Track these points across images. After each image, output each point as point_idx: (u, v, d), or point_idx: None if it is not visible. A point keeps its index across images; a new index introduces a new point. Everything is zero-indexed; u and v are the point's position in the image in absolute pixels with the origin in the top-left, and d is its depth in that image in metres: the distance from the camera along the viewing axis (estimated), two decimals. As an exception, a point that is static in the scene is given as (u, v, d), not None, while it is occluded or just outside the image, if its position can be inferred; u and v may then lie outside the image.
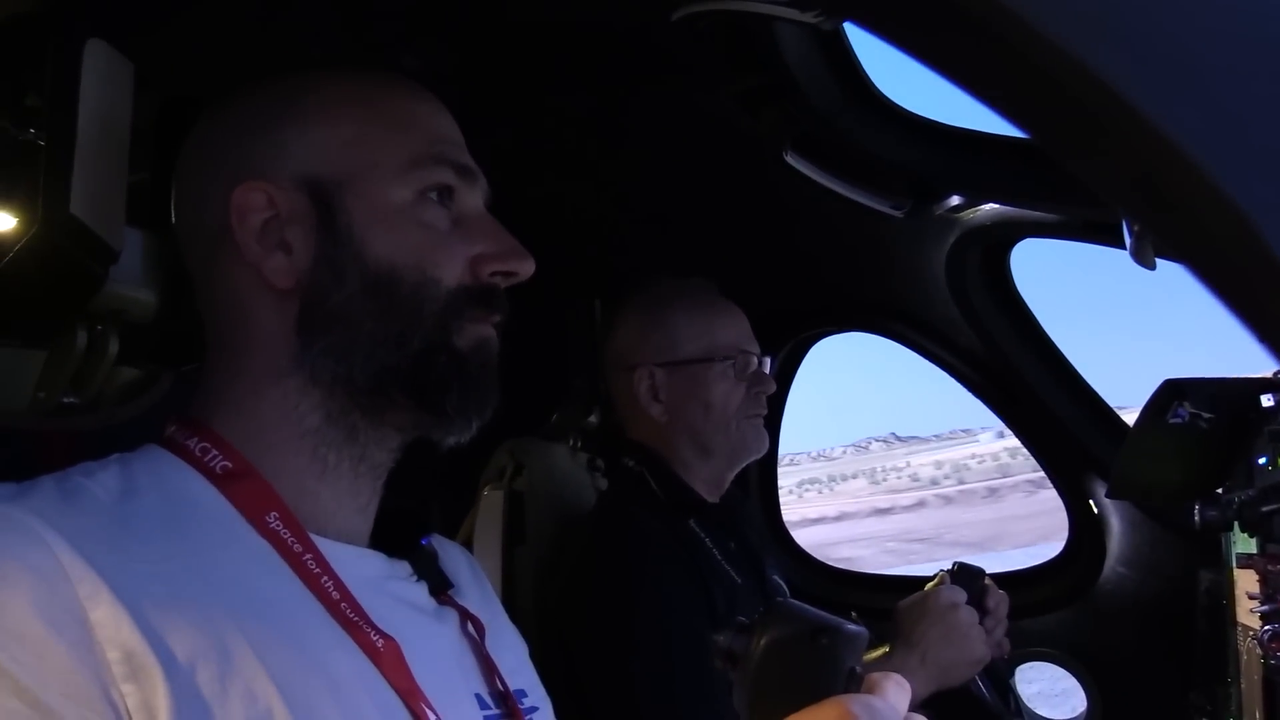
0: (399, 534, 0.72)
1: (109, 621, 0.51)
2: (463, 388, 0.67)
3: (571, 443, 1.66)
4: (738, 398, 1.37)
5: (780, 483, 2.07)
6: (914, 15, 0.34)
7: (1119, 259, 1.08)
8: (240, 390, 0.66)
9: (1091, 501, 1.61)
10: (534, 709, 0.75)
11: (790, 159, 1.31)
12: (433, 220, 0.67)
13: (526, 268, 0.70)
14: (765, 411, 1.41)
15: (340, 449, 0.66)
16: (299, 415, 0.65)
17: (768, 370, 1.45)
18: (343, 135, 0.67)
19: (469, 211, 0.70)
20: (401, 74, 0.73)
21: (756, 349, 1.42)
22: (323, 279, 0.65)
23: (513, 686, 0.73)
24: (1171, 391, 1.15)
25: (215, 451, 0.63)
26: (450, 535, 1.53)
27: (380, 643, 0.61)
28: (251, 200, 0.65)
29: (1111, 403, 1.65)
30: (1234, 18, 0.31)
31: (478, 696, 0.69)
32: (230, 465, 0.63)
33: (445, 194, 0.68)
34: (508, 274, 0.69)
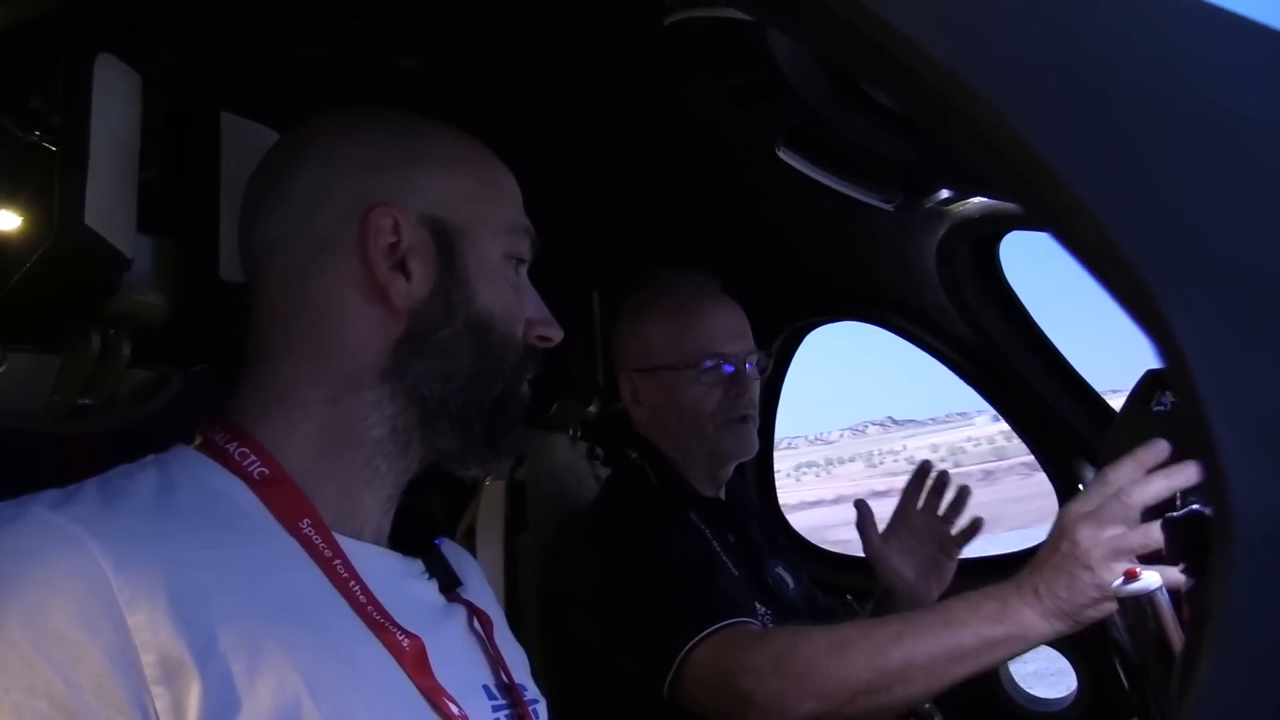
0: (413, 534, 0.75)
1: (147, 625, 0.53)
2: (516, 432, 0.76)
3: (571, 432, 1.68)
4: (711, 403, 1.34)
5: (777, 466, 2.10)
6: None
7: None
8: (306, 394, 0.69)
9: (1080, 485, 1.64)
10: (535, 701, 0.78)
11: (783, 154, 1.33)
12: (512, 281, 0.76)
13: (558, 336, 0.78)
14: (747, 412, 1.36)
15: (393, 460, 0.71)
16: (366, 425, 0.69)
17: (762, 363, 1.42)
18: (463, 188, 0.74)
19: (524, 280, 0.78)
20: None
21: (740, 348, 1.37)
22: (435, 311, 0.70)
23: (515, 680, 0.76)
24: (1154, 381, 1.17)
25: (254, 458, 0.66)
26: (452, 526, 1.56)
27: (406, 642, 0.64)
28: (382, 223, 0.69)
29: (1099, 387, 1.68)
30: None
31: (485, 688, 0.72)
32: (267, 472, 0.65)
33: (520, 262, 0.77)
34: (544, 339, 0.77)
